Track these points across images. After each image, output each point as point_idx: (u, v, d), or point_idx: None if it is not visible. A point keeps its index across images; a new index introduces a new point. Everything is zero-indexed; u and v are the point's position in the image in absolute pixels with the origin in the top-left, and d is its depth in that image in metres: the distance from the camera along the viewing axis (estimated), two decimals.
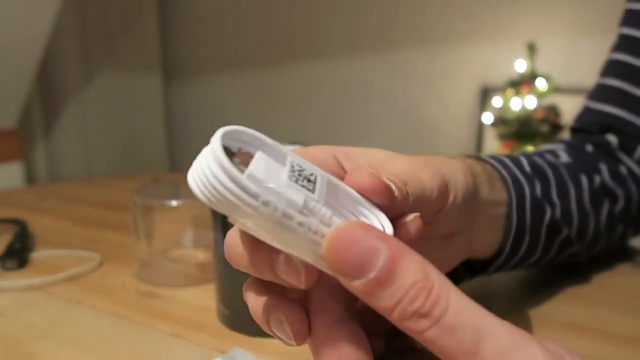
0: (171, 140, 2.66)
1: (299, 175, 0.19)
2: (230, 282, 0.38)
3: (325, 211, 0.19)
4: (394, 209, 0.22)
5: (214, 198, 0.17)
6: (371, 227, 0.18)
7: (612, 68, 0.52)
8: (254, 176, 0.18)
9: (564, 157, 0.48)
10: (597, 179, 0.47)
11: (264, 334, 0.37)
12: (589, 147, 0.51)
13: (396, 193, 0.22)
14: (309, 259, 0.19)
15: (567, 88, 1.74)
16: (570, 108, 1.74)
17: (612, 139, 0.51)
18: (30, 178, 2.06)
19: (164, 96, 2.61)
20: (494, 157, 0.41)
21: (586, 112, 0.54)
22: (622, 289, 0.46)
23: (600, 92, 0.53)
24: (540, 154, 0.47)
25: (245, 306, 0.38)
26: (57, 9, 1.76)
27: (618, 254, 0.53)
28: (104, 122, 2.33)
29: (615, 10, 0.55)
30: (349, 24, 2.20)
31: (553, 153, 0.49)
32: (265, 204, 0.17)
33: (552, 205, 0.42)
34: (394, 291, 0.17)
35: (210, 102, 2.55)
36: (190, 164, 0.18)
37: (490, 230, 0.36)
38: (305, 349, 0.36)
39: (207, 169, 0.17)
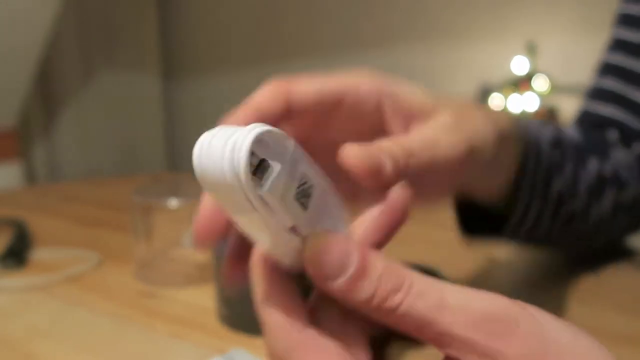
0: (171, 140, 2.66)
1: (302, 191, 0.19)
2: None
3: (309, 225, 0.19)
4: (393, 181, 0.23)
5: (213, 187, 0.17)
6: (337, 233, 0.20)
7: (606, 69, 0.53)
8: (270, 193, 0.17)
9: (575, 136, 0.48)
10: (605, 164, 0.47)
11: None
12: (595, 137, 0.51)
13: (389, 167, 0.23)
14: (287, 260, 0.21)
15: (567, 87, 1.74)
16: (570, 107, 1.74)
17: (611, 135, 0.51)
18: (30, 177, 2.06)
19: (163, 96, 2.61)
20: (521, 120, 0.40)
21: (584, 114, 0.54)
22: (622, 289, 0.46)
23: (595, 94, 0.53)
24: (557, 129, 0.46)
25: (245, 306, 0.38)
26: (57, 9, 1.76)
27: (618, 254, 0.53)
28: (104, 121, 2.33)
29: (616, 9, 0.55)
30: (348, 23, 2.20)
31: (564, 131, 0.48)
32: (267, 212, 0.17)
33: (564, 175, 0.42)
34: (371, 281, 0.20)
35: (210, 101, 2.54)
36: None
37: (498, 175, 0.36)
38: None
39: (226, 166, 0.16)
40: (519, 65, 1.78)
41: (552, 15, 1.83)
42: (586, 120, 0.54)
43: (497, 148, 0.31)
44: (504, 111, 0.39)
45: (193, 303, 0.43)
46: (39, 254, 0.54)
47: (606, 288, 0.46)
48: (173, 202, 0.47)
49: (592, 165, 0.46)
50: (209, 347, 0.36)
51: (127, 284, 0.47)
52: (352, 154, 0.22)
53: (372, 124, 0.29)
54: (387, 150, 0.24)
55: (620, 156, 0.49)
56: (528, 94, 1.73)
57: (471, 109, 0.31)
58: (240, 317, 0.38)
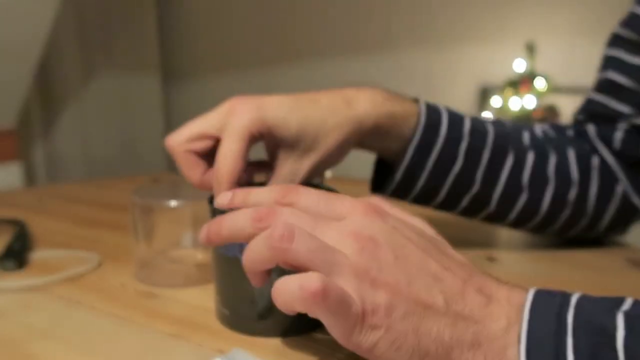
0: None
1: None
2: (229, 282, 0.38)
3: None
4: None
5: None
6: None
7: (607, 63, 0.55)
8: None
9: (538, 134, 0.53)
10: (553, 160, 0.50)
11: (263, 334, 0.37)
12: (570, 132, 0.55)
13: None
14: None
15: (566, 88, 1.74)
16: (569, 108, 1.73)
17: (590, 128, 0.54)
18: (30, 178, 2.06)
19: (163, 96, 2.61)
20: (446, 110, 0.48)
21: (581, 103, 0.57)
22: (620, 289, 0.46)
23: (594, 84, 0.56)
24: (504, 127, 0.51)
25: (245, 306, 0.38)
26: (57, 9, 1.76)
27: (617, 254, 0.53)
28: (103, 122, 2.33)
29: (615, 10, 0.56)
30: (348, 24, 2.21)
31: (531, 130, 0.54)
32: None
33: (473, 160, 0.48)
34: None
35: (210, 102, 2.53)
36: None
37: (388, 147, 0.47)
38: (305, 350, 0.36)
39: None
40: (519, 66, 1.78)
41: (551, 17, 1.84)
42: (579, 108, 0.57)
43: (345, 152, 0.44)
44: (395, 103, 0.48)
45: (193, 303, 0.43)
46: (39, 255, 0.54)
47: (608, 289, 0.46)
48: (173, 202, 0.47)
49: (530, 161, 0.50)
50: (209, 347, 0.36)
51: (127, 284, 0.47)
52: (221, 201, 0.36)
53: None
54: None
55: (577, 154, 0.52)
56: (527, 94, 1.73)
57: (329, 134, 0.42)
58: (241, 317, 0.38)
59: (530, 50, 1.75)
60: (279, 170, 0.42)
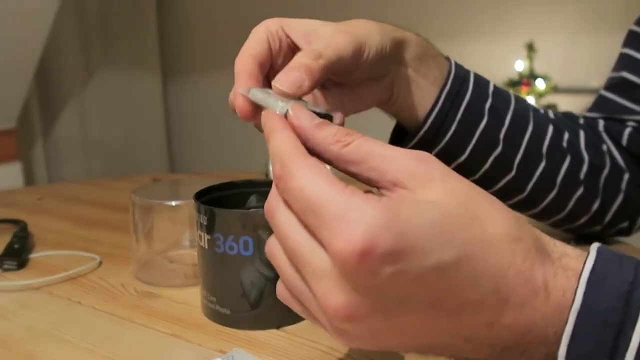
0: (170, 140, 2.66)
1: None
2: (222, 276, 0.38)
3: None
4: (315, 83, 0.33)
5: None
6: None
7: (621, 61, 0.55)
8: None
9: (550, 114, 0.53)
10: (567, 136, 0.50)
11: (257, 326, 0.37)
12: (581, 121, 0.55)
13: (306, 83, 0.32)
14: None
15: (566, 88, 1.74)
16: (569, 108, 1.73)
17: (600, 122, 0.54)
18: (29, 178, 2.06)
19: (163, 96, 2.61)
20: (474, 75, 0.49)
21: (592, 101, 0.58)
22: None
23: (606, 82, 0.56)
24: (524, 99, 0.51)
25: (237, 299, 0.38)
26: (57, 9, 1.76)
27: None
28: (103, 122, 2.33)
29: (615, 10, 0.56)
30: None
31: (544, 109, 0.54)
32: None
33: (497, 119, 0.47)
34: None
35: (209, 101, 2.54)
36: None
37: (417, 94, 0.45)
38: (304, 349, 0.36)
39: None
40: (519, 66, 1.78)
41: (551, 17, 1.84)
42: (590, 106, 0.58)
43: (387, 44, 0.41)
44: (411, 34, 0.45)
45: (192, 303, 0.43)
46: (39, 255, 0.54)
47: None
48: (172, 202, 0.47)
49: (550, 131, 0.49)
50: (209, 347, 0.36)
51: (127, 284, 0.47)
52: (279, 82, 0.31)
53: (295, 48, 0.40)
54: (297, 64, 0.32)
55: (586, 136, 0.52)
56: (527, 94, 1.73)
57: (361, 22, 0.41)
58: (233, 311, 0.38)
59: (530, 50, 1.75)
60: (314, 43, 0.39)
